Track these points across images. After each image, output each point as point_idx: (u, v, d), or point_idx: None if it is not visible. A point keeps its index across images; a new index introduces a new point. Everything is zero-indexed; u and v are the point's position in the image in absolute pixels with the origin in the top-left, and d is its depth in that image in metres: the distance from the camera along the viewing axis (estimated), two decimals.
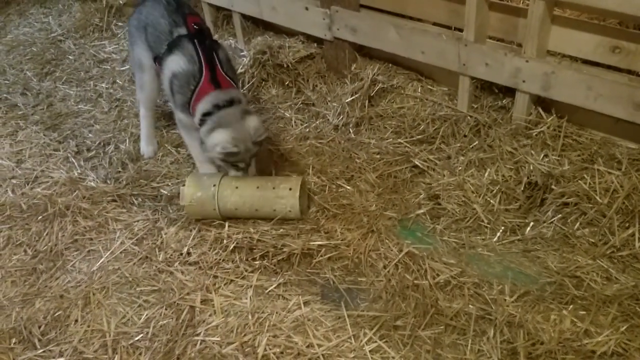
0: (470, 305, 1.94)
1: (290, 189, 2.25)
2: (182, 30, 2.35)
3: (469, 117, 2.54)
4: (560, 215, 2.15)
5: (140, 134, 2.82)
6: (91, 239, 2.36)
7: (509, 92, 2.43)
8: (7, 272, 2.25)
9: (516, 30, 2.36)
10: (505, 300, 1.93)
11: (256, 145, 2.28)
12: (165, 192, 2.53)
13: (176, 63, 2.30)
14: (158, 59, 2.40)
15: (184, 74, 2.28)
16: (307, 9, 2.87)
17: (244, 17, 3.28)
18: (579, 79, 2.13)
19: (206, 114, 2.25)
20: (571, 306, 1.89)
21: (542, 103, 2.38)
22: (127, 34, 2.62)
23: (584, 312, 1.86)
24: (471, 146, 2.46)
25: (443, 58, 2.48)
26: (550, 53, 2.31)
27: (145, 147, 2.78)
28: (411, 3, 2.63)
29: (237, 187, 2.28)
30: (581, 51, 2.21)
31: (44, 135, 3.00)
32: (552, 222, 2.15)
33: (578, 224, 2.12)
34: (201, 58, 2.27)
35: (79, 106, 3.23)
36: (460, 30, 2.51)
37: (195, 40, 2.30)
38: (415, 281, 2.04)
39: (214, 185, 2.29)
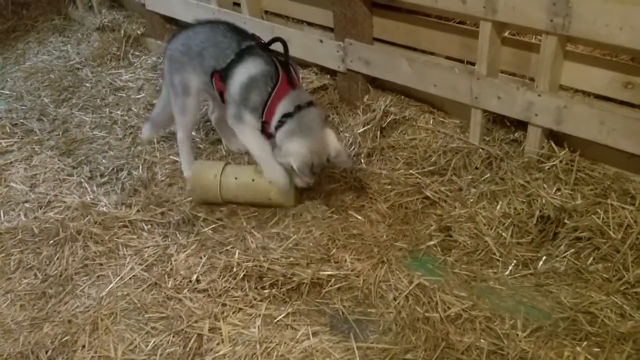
0: (481, 340, 1.90)
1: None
2: (251, 42, 2.43)
3: (480, 150, 2.54)
4: (573, 250, 2.13)
5: (180, 159, 2.84)
6: (101, 264, 2.36)
7: (521, 125, 2.44)
8: (16, 296, 2.25)
9: (528, 64, 2.38)
10: (517, 335, 1.90)
11: (330, 164, 2.35)
12: (175, 219, 2.54)
13: (252, 66, 2.35)
14: (218, 73, 2.44)
15: (262, 74, 2.33)
16: (321, 41, 2.92)
17: None
18: (592, 113, 2.14)
19: (287, 115, 2.28)
20: (585, 343, 1.85)
21: (555, 137, 2.38)
22: (167, 60, 2.65)
23: (598, 349, 1.83)
24: (483, 178, 2.45)
25: (455, 91, 2.50)
26: (563, 88, 2.32)
27: (187, 171, 2.78)
28: (424, 37, 2.67)
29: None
30: (594, 86, 2.23)
31: (58, 160, 3.03)
32: (564, 257, 2.13)
33: (591, 259, 2.09)
34: (276, 61, 2.33)
35: (94, 132, 3.27)
36: (473, 64, 2.54)
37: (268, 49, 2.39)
38: (426, 314, 2.01)
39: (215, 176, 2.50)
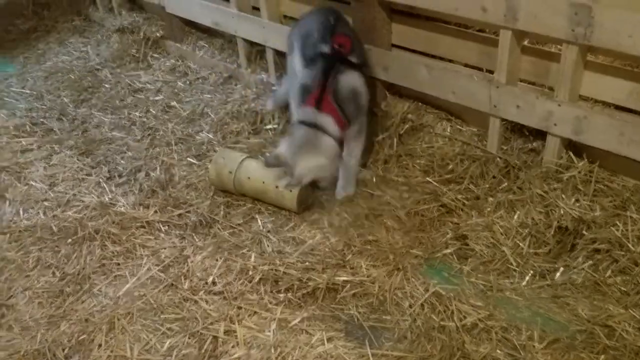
0: (497, 350, 1.89)
1: None
2: (325, 48, 2.52)
3: (498, 159, 2.53)
4: (591, 262, 2.11)
5: None
6: (118, 264, 2.38)
7: (540, 134, 2.43)
8: (34, 293, 2.27)
9: (548, 74, 2.37)
10: (534, 346, 1.89)
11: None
12: (192, 221, 2.56)
13: (303, 76, 2.56)
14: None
15: (302, 86, 2.52)
16: None
17: (277, 52, 3.35)
18: (612, 124, 2.12)
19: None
20: (603, 356, 1.84)
21: (573, 147, 2.37)
22: (287, 43, 2.86)
23: None
24: (500, 187, 2.44)
25: (474, 99, 2.49)
26: (582, 98, 2.30)
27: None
28: (443, 44, 2.67)
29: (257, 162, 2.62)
30: (614, 97, 2.21)
31: (77, 160, 3.06)
32: (582, 268, 2.11)
33: (610, 271, 2.08)
34: (318, 78, 2.47)
35: (113, 133, 3.30)
36: (491, 72, 2.54)
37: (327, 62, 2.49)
38: (442, 322, 2.01)
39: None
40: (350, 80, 2.50)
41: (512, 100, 2.36)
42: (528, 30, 2.20)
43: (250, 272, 2.26)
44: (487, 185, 2.49)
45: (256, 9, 3.42)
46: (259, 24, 3.30)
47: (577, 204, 2.22)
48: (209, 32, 3.97)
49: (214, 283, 2.25)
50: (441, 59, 2.75)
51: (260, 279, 2.23)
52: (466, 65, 2.68)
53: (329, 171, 2.52)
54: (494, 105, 2.43)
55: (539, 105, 2.28)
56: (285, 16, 3.34)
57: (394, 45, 2.83)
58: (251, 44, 3.53)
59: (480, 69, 2.60)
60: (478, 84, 2.46)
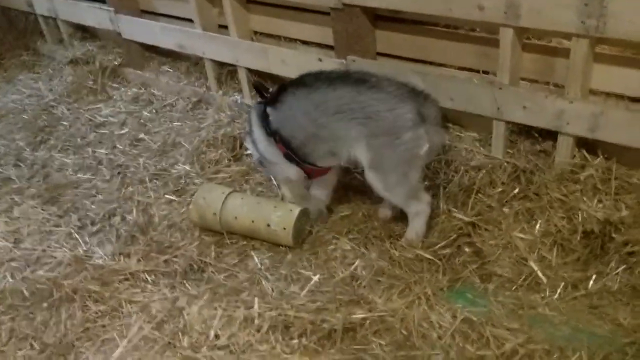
0: None
1: (290, 210, 2.31)
2: None
3: (505, 164, 2.38)
4: (625, 266, 1.97)
5: None
6: (104, 326, 2.10)
7: (549, 135, 2.28)
8: None
9: (551, 70, 2.23)
10: None
11: None
12: (182, 266, 2.30)
13: None
14: None
15: None
16: (320, 60, 2.73)
17: (250, 71, 3.13)
18: (632, 117, 1.99)
19: None
20: None
21: (585, 145, 2.23)
22: None
23: None
24: (513, 194, 2.28)
25: (474, 103, 2.34)
26: (592, 92, 2.17)
27: None
28: (434, 48, 2.51)
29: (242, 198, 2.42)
30: (627, 88, 2.08)
31: (42, 209, 2.76)
32: (617, 274, 1.96)
33: None
34: None
35: (78, 175, 3.01)
36: (487, 72, 2.39)
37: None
38: (478, 352, 1.81)
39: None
40: None
41: (518, 101, 2.21)
42: (532, 27, 2.06)
43: (256, 321, 2.02)
44: (497, 194, 2.32)
45: (223, 27, 3.20)
46: (229, 43, 3.08)
47: (600, 205, 2.08)
48: (172, 56, 3.73)
49: (216, 336, 2.00)
50: (431, 63, 2.59)
51: (268, 326, 1.99)
52: (460, 69, 2.52)
53: None
54: (497, 108, 2.27)
55: (549, 104, 2.13)
56: (256, 32, 3.12)
57: (379, 54, 2.65)
58: (220, 64, 3.30)
59: (476, 71, 2.44)
60: (479, 87, 2.30)
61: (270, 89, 2.30)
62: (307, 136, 2.17)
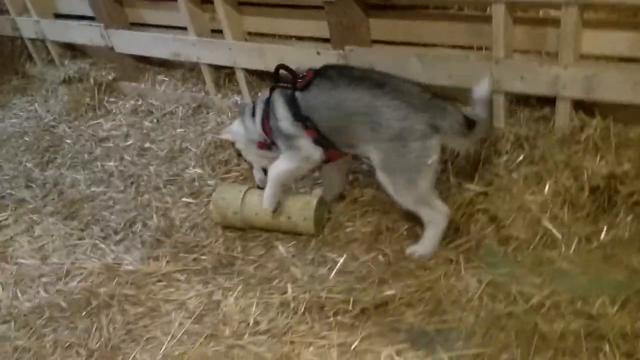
0: (573, 324, 1.83)
1: (308, 201, 2.43)
2: None
3: (507, 133, 2.49)
4: (632, 215, 2.09)
5: None
6: (145, 326, 2.18)
7: (548, 101, 2.40)
8: None
9: (542, 40, 2.34)
10: (607, 313, 1.84)
11: None
12: (211, 262, 2.39)
13: None
14: None
15: None
16: (318, 53, 2.82)
17: (248, 72, 3.21)
18: (624, 76, 2.11)
19: None
20: None
21: (582, 107, 2.35)
22: None
23: None
24: (518, 160, 2.40)
25: (473, 79, 2.43)
26: (583, 57, 2.29)
27: None
28: (427, 31, 2.61)
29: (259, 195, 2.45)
30: (616, 49, 2.21)
31: (63, 225, 2.82)
32: (626, 223, 2.09)
33: None
34: None
35: (92, 189, 3.07)
36: (481, 48, 2.49)
37: None
38: (507, 308, 1.93)
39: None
40: None
41: (515, 72, 2.32)
42: (522, 0, 2.17)
43: (292, 304, 2.12)
44: (503, 161, 2.43)
45: (216, 31, 3.27)
46: (224, 46, 3.15)
47: (603, 162, 2.20)
48: (166, 65, 3.77)
49: (256, 323, 2.09)
50: (424, 45, 2.69)
51: (304, 308, 2.09)
52: (451, 47, 2.62)
53: None
54: (496, 81, 2.38)
55: (545, 72, 2.25)
56: (249, 33, 3.20)
57: (374, 41, 2.75)
58: (217, 68, 3.37)
59: (470, 48, 2.55)
60: (475, 63, 2.41)
61: (300, 73, 2.32)
62: (332, 127, 2.23)
